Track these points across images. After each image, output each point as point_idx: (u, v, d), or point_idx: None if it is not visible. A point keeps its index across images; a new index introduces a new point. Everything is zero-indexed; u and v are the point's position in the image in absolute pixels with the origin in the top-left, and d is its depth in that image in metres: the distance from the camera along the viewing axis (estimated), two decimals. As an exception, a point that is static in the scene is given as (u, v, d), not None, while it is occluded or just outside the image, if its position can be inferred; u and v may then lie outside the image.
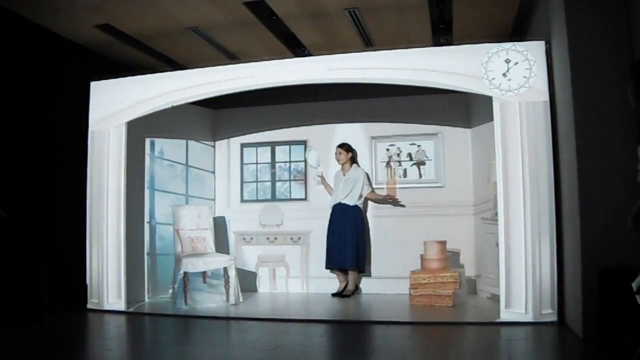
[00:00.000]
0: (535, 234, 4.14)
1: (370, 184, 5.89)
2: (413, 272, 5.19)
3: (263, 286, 6.29)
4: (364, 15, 5.10)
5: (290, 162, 6.48)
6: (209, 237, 5.77)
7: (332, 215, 5.80)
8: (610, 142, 3.54)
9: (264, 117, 6.49)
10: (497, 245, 4.41)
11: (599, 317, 3.30)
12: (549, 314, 4.08)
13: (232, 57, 6.09)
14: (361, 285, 5.90)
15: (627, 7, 3.59)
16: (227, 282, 5.36)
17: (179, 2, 4.77)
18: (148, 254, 5.73)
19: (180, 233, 5.59)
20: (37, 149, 5.04)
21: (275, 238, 6.33)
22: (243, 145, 6.62)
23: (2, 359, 3.41)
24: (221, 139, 6.69)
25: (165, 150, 6.08)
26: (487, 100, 4.47)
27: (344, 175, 5.84)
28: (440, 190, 5.91)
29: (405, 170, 6.06)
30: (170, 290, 5.62)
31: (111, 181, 5.13)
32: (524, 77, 4.29)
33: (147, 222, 5.78)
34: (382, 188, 5.99)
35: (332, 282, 5.81)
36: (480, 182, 5.60)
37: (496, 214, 4.51)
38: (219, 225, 6.34)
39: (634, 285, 2.29)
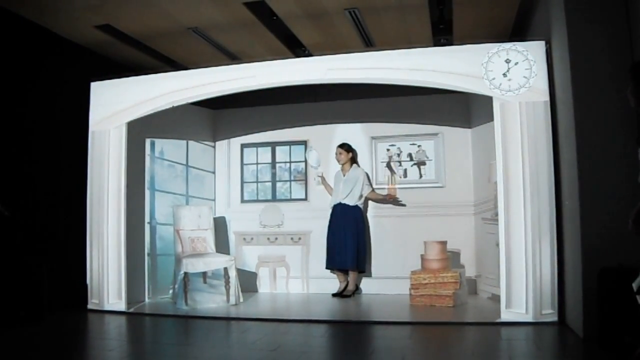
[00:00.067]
0: (536, 234, 4.14)
1: (371, 184, 5.89)
2: (413, 272, 5.19)
3: (263, 286, 6.29)
4: (364, 16, 5.10)
5: (290, 162, 6.48)
6: (209, 237, 5.77)
7: (332, 215, 5.80)
8: (610, 142, 3.54)
9: (265, 118, 6.49)
10: (498, 245, 4.40)
11: (599, 317, 3.30)
12: (550, 314, 4.08)
13: (232, 58, 6.09)
14: (361, 286, 5.90)
15: (627, 7, 3.59)
16: (227, 283, 5.36)
17: (179, 2, 4.78)
18: (148, 254, 5.73)
19: (180, 233, 5.59)
20: (38, 149, 5.04)
21: (276, 238, 6.33)
22: (243, 146, 6.62)
23: (2, 359, 3.41)
24: (221, 139, 6.69)
25: (166, 151, 6.08)
26: (488, 101, 4.47)
27: (344, 175, 5.84)
28: (441, 190, 5.90)
29: (405, 170, 6.06)
30: (171, 291, 5.62)
31: (111, 181, 5.13)
32: (524, 77, 4.29)
33: (148, 223, 5.78)
34: (383, 188, 5.98)
35: (333, 283, 5.81)
36: (480, 182, 5.59)
37: (496, 214, 4.51)
38: (220, 226, 6.34)
39: (634, 286, 2.29)
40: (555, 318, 4.06)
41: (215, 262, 5.45)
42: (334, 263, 5.72)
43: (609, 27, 3.63)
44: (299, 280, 6.20)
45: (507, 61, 4.34)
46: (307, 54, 5.90)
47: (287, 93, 5.62)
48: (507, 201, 4.26)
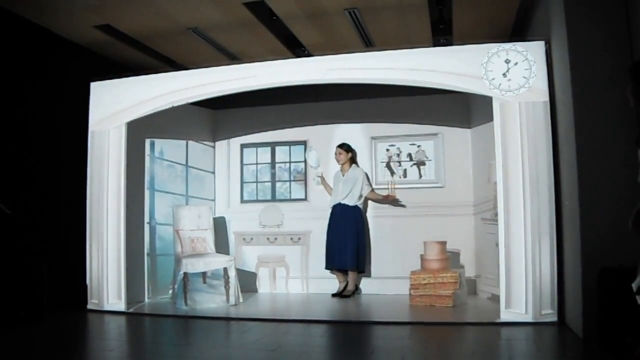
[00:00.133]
0: (535, 234, 4.14)
1: (370, 184, 5.88)
2: (413, 273, 5.19)
3: (263, 286, 6.29)
4: (364, 16, 5.11)
5: (290, 162, 6.48)
6: (209, 237, 5.77)
7: (331, 215, 5.80)
8: (610, 142, 3.54)
9: (264, 118, 6.48)
10: (497, 245, 4.40)
11: (599, 317, 3.30)
12: (549, 314, 4.08)
13: (232, 58, 6.09)
14: (361, 286, 5.90)
15: (627, 7, 3.59)
16: (227, 283, 5.35)
17: (179, 2, 4.77)
18: (148, 254, 5.73)
19: (180, 233, 5.59)
20: (37, 149, 5.04)
21: (275, 238, 6.33)
22: (243, 146, 6.62)
23: (2, 359, 3.41)
24: (221, 140, 6.69)
25: (165, 151, 6.08)
26: (487, 101, 4.47)
27: (343, 175, 5.84)
28: (440, 190, 5.90)
29: (405, 170, 6.06)
30: (170, 291, 5.62)
31: (111, 182, 5.13)
32: (524, 77, 4.29)
33: (147, 223, 5.78)
34: (382, 188, 5.98)
35: (332, 283, 5.81)
36: (480, 183, 5.60)
37: (496, 214, 4.51)
38: (219, 226, 6.34)
39: (634, 286, 2.28)
40: (555, 318, 4.06)
41: (215, 262, 5.45)
42: (333, 263, 5.72)
43: (609, 27, 3.63)
44: (298, 280, 6.20)
45: (507, 61, 4.34)
46: (307, 54, 5.90)
47: (286, 93, 5.61)
48: (506, 201, 4.26)
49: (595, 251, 3.46)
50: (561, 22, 3.81)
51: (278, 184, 6.50)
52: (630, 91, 2.34)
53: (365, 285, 5.90)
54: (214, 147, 6.69)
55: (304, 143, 6.39)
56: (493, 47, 4.40)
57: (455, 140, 5.90)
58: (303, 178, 6.40)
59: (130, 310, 5.04)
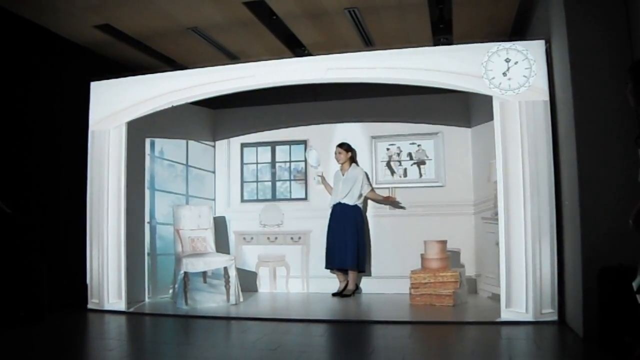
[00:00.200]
0: (536, 233, 4.14)
1: (370, 184, 5.88)
2: (413, 272, 5.19)
3: (263, 286, 6.29)
4: (364, 15, 5.10)
5: (290, 161, 6.48)
6: (209, 237, 5.77)
7: (331, 215, 5.80)
8: (610, 141, 3.54)
9: (264, 117, 6.48)
10: (497, 244, 4.41)
11: (599, 317, 3.30)
12: (549, 313, 4.08)
13: (232, 57, 6.09)
14: (361, 285, 5.90)
15: (627, 7, 3.58)
16: (227, 282, 5.36)
17: (179, 2, 4.77)
18: (148, 254, 5.73)
19: (180, 233, 5.59)
20: (37, 149, 5.04)
21: (276, 238, 6.33)
22: (243, 145, 6.62)
23: (2, 359, 3.41)
24: (221, 139, 6.69)
25: (166, 150, 6.08)
26: (487, 100, 4.47)
27: (343, 174, 5.84)
28: (441, 189, 5.90)
29: (405, 169, 6.06)
30: (171, 290, 5.62)
31: (111, 181, 5.13)
32: (524, 76, 4.29)
33: (148, 222, 5.78)
34: (382, 188, 5.98)
35: (332, 282, 5.81)
36: (480, 182, 5.59)
37: (496, 214, 4.51)
38: (219, 225, 6.34)
39: (634, 285, 2.28)
40: (555, 317, 4.06)
41: (215, 261, 5.46)
42: (333, 263, 5.72)
43: (609, 26, 3.63)
44: (298, 279, 6.20)
45: (507, 60, 4.34)
46: (307, 53, 5.89)
47: (286, 93, 5.61)
48: (507, 200, 4.26)
49: (596, 250, 3.46)
50: (561, 21, 3.81)
51: (278, 184, 6.50)
52: (630, 91, 2.34)
53: (366, 284, 5.90)
54: (214, 146, 6.69)
55: (304, 142, 6.39)
56: (493, 46, 4.39)
57: (456, 139, 5.89)
58: (303, 177, 6.40)
59: (131, 310, 5.04)
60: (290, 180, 6.47)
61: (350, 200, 5.73)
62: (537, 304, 4.10)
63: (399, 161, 6.07)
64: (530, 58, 4.28)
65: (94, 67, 5.58)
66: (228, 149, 6.66)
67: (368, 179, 5.90)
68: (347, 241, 5.61)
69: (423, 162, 6.01)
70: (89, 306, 5.12)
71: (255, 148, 6.59)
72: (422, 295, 5.08)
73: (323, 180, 6.05)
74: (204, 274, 5.69)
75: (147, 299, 5.60)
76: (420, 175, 6.01)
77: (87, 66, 5.57)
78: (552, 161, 4.16)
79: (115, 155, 5.15)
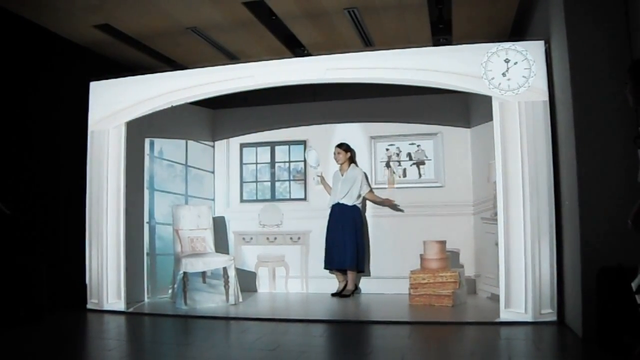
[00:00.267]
0: (535, 233, 4.15)
1: (369, 184, 5.88)
2: (413, 272, 5.19)
3: (263, 286, 6.29)
4: (364, 15, 5.10)
5: (289, 162, 6.48)
6: (209, 237, 5.77)
7: (330, 215, 5.80)
8: (610, 142, 3.54)
9: (264, 117, 6.48)
10: (497, 244, 4.41)
11: (599, 317, 3.30)
12: (549, 313, 4.08)
13: (231, 57, 6.09)
14: (360, 285, 5.90)
15: (626, 7, 3.59)
16: (226, 282, 5.35)
17: (179, 2, 4.77)
18: (148, 254, 5.73)
19: (179, 233, 5.58)
20: (37, 149, 5.04)
21: (275, 238, 6.33)
22: (242, 145, 6.62)
23: (2, 359, 3.41)
24: (221, 139, 6.69)
25: (165, 150, 6.08)
26: (487, 100, 4.47)
27: (342, 175, 5.84)
28: (440, 190, 5.91)
29: (404, 170, 6.06)
30: (170, 291, 5.62)
31: (111, 181, 5.13)
32: (524, 76, 4.29)
33: (147, 222, 5.78)
34: (382, 188, 5.98)
35: (332, 282, 5.81)
36: (479, 182, 5.60)
37: (496, 214, 4.51)
38: (219, 225, 6.34)
39: (634, 285, 2.29)
40: (554, 318, 4.06)
41: (215, 261, 5.45)
42: (332, 263, 5.72)
43: (609, 26, 3.63)
44: (298, 280, 6.20)
45: (507, 61, 4.34)
46: (307, 53, 5.90)
47: (286, 93, 5.61)
48: (506, 201, 4.26)
49: (595, 251, 3.46)
50: (561, 22, 3.81)
51: (277, 184, 6.50)
52: (630, 91, 2.34)
53: (365, 284, 5.90)
54: (213, 146, 6.69)
55: (303, 143, 6.39)
56: (492, 46, 4.40)
57: (455, 139, 5.90)
58: (302, 178, 6.40)
59: (130, 310, 5.04)
60: (289, 180, 6.47)
61: (349, 201, 5.73)
62: (537, 304, 4.10)
63: (399, 161, 6.07)
64: (530, 58, 4.29)
65: (93, 67, 5.58)
66: (227, 149, 6.65)
67: (367, 179, 5.90)
68: (346, 241, 5.61)
69: (422, 163, 6.02)
70: (88, 306, 5.11)
71: (254, 148, 6.59)
72: (421, 296, 5.08)
73: (322, 180, 6.05)
74: (203, 274, 5.69)
75: (146, 299, 5.59)
76: (420, 175, 6.01)
77: (86, 66, 5.56)
78: (551, 161, 4.16)
79: (115, 155, 5.14)
